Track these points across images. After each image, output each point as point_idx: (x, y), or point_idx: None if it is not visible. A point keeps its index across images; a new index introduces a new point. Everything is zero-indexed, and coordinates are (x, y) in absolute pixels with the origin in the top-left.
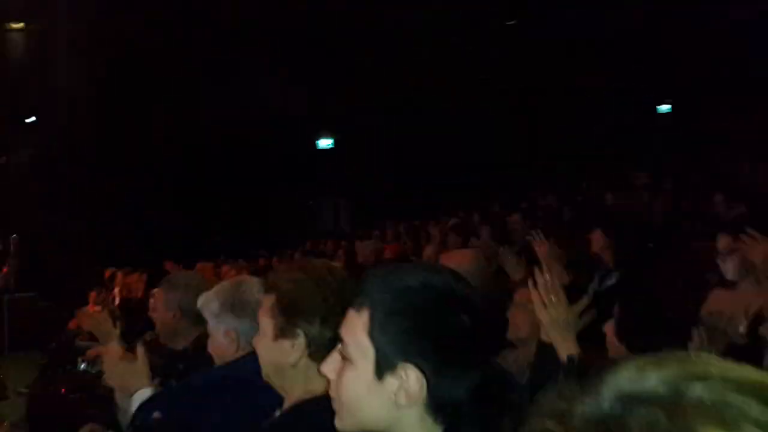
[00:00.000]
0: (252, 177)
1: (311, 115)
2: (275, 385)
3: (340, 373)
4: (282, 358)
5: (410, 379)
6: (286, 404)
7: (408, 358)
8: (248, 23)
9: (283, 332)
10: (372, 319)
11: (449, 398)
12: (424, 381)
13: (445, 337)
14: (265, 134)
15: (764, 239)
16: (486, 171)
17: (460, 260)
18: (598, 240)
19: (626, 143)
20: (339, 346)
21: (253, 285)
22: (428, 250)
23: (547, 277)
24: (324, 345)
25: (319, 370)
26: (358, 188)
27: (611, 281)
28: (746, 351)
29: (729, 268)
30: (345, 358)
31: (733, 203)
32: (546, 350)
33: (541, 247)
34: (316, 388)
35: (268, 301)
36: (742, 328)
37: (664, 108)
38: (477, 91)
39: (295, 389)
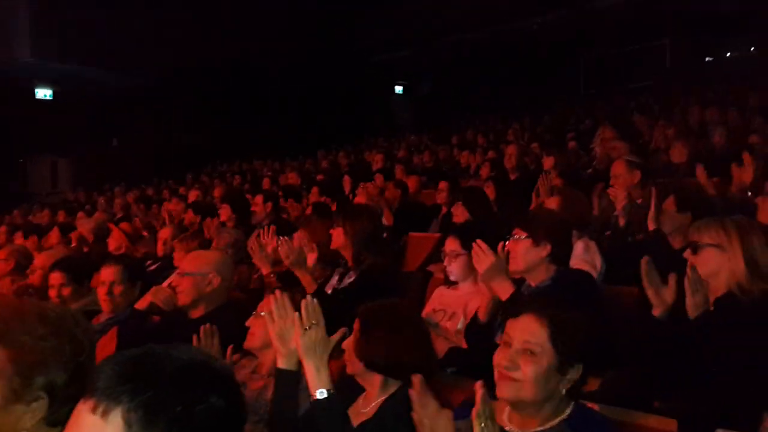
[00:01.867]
0: None
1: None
2: None
3: None
4: (11, 426)
5: None
6: None
7: None
8: None
9: (17, 395)
10: (127, 422)
11: None
12: None
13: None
14: None
15: (489, 252)
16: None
17: (205, 261)
18: (338, 236)
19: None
20: None
21: None
22: (164, 233)
23: (310, 301)
24: (67, 408)
25: None
26: (79, 146)
27: (351, 278)
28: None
29: (453, 269)
30: None
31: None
32: (285, 376)
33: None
34: None
35: None
36: (460, 325)
37: (399, 89)
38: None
39: None
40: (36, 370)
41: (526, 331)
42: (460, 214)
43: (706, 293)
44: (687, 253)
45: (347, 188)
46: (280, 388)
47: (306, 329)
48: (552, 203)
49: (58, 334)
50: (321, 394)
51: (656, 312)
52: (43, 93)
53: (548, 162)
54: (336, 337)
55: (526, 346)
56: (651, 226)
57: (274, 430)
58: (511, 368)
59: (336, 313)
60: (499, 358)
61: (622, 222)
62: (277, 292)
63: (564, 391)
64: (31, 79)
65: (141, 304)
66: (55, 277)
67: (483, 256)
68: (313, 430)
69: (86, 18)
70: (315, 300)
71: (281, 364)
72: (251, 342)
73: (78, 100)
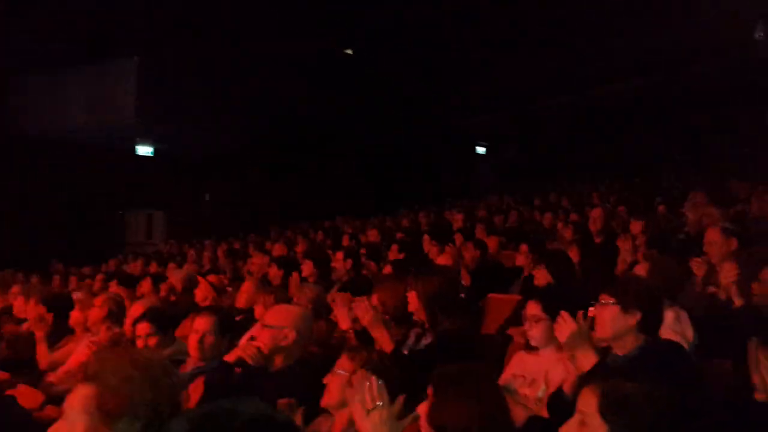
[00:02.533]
0: (62, 181)
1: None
2: None
3: None
4: None
5: None
6: None
7: None
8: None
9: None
10: None
11: None
12: None
13: None
14: (80, 136)
15: (571, 320)
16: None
17: (284, 316)
18: (413, 299)
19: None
20: None
21: None
22: (248, 288)
23: (372, 381)
24: None
25: None
26: (174, 200)
27: (427, 341)
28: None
29: (534, 334)
30: None
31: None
32: None
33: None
34: None
35: (85, 391)
36: (540, 393)
37: (481, 150)
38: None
39: None
40: (120, 410)
41: (582, 402)
42: (542, 277)
43: None
44: None
45: (426, 247)
46: None
47: (369, 411)
48: (641, 269)
49: (143, 379)
50: None
51: (760, 397)
52: (145, 150)
53: (636, 226)
54: (407, 420)
55: (579, 417)
56: (737, 302)
57: None
58: None
59: (411, 377)
60: (564, 428)
61: (736, 299)
62: (362, 373)
63: None
64: (133, 137)
65: (230, 357)
66: (142, 328)
67: (565, 324)
68: None
69: (186, 85)
70: (378, 380)
71: None
72: (328, 400)
73: (175, 158)
